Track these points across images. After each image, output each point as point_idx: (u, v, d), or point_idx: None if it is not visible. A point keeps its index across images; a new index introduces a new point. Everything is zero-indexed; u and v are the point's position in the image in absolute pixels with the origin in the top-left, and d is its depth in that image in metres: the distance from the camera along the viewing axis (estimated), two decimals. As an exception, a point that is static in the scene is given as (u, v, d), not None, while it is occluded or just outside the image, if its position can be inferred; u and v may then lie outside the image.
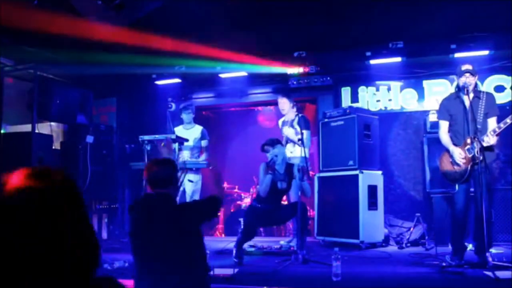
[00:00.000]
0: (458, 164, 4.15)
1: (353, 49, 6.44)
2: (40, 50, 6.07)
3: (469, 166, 4.09)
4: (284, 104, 5.78)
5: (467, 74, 4.13)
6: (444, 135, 4.33)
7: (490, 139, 4.00)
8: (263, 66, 6.72)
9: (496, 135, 4.01)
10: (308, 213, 6.57)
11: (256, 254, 5.14)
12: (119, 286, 0.94)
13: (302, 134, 4.75)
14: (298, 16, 5.57)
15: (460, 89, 4.20)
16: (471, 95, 4.12)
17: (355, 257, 4.82)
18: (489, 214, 4.06)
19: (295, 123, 5.57)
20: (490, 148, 4.08)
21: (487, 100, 4.17)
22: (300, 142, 4.89)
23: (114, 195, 7.35)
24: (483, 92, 4.30)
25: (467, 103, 4.11)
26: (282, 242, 5.67)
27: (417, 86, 6.70)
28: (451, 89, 6.40)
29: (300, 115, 5.50)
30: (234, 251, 4.58)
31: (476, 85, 4.24)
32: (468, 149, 4.10)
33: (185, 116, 5.96)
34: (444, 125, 4.35)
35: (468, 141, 4.10)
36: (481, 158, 3.93)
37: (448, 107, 4.33)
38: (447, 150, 4.27)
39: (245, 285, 3.58)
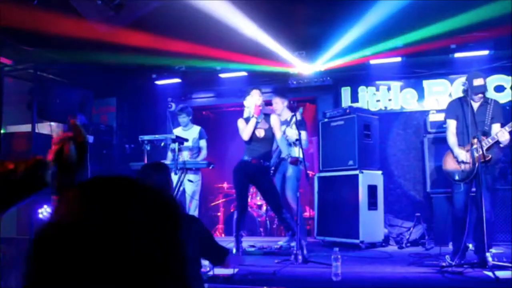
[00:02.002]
0: (464, 163, 4.20)
1: (352, 49, 6.43)
2: (40, 50, 6.07)
3: (475, 166, 4.12)
4: (277, 104, 5.78)
5: (480, 95, 4.22)
6: (451, 136, 4.39)
7: (504, 134, 4.07)
8: (263, 66, 6.72)
9: (510, 131, 4.08)
10: (308, 213, 6.62)
11: (256, 254, 5.14)
12: None
13: (300, 134, 4.75)
14: (298, 16, 5.57)
15: (467, 94, 4.24)
16: (480, 100, 4.26)
17: (355, 257, 4.82)
18: (491, 215, 4.08)
19: (292, 124, 5.57)
20: (494, 149, 4.13)
21: (495, 107, 4.28)
22: (298, 142, 4.87)
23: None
24: (491, 99, 4.39)
25: (474, 106, 4.20)
26: (280, 243, 5.67)
27: (417, 86, 6.69)
28: (451, 89, 6.42)
29: (296, 115, 5.50)
30: (234, 243, 4.58)
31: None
32: (475, 149, 4.13)
33: (180, 120, 5.97)
34: (452, 125, 4.41)
35: (474, 141, 4.13)
36: (484, 158, 3.98)
37: (456, 108, 4.41)
38: (452, 151, 4.32)
39: (245, 285, 3.58)
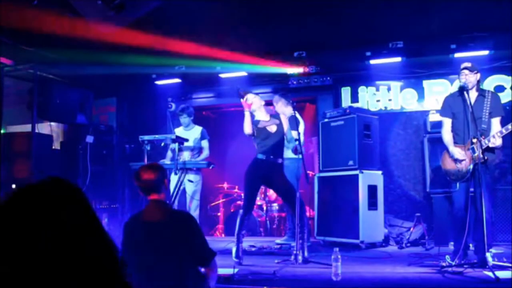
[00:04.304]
0: (460, 162, 4.16)
1: (353, 49, 6.44)
2: (40, 50, 6.08)
3: (471, 166, 4.09)
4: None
5: (466, 71, 4.13)
6: (446, 134, 4.32)
7: (496, 140, 3.99)
8: (263, 66, 6.72)
9: (502, 136, 4.02)
10: (308, 213, 6.61)
11: (256, 254, 5.14)
12: None
13: (298, 134, 4.71)
14: (298, 16, 5.57)
15: (462, 88, 4.17)
16: (475, 93, 4.14)
17: (355, 257, 4.82)
18: (490, 215, 4.06)
19: None
20: (492, 149, 4.08)
21: (492, 100, 4.15)
22: (297, 142, 4.84)
23: (114, 195, 7.35)
24: (488, 91, 4.26)
25: (470, 101, 4.06)
26: (278, 241, 5.68)
27: (417, 86, 6.69)
28: (451, 89, 6.40)
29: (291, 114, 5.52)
30: (235, 242, 4.57)
31: (478, 83, 4.22)
32: (472, 149, 4.09)
33: (182, 120, 5.96)
34: (447, 123, 4.33)
35: (473, 140, 4.07)
36: (483, 158, 3.93)
37: (451, 105, 4.31)
38: (447, 149, 4.28)
39: (245, 285, 3.57)
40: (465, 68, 4.14)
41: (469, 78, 4.13)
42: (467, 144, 4.15)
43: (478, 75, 4.21)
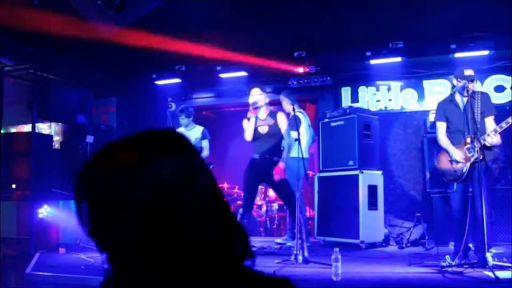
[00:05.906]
0: (457, 162, 4.16)
1: (353, 49, 6.43)
2: (40, 50, 6.07)
3: (468, 165, 4.09)
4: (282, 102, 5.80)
5: (474, 84, 4.16)
6: (442, 137, 4.35)
7: (493, 139, 4.02)
8: (263, 66, 6.71)
9: (498, 134, 4.02)
10: (308, 213, 6.61)
11: (256, 254, 5.13)
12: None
13: (299, 134, 4.70)
14: (298, 16, 5.57)
15: (456, 91, 4.20)
16: (466, 96, 4.16)
17: (355, 257, 4.82)
18: (489, 215, 4.06)
19: None
20: (489, 148, 4.09)
21: (482, 100, 4.19)
22: (296, 142, 4.83)
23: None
24: (478, 92, 4.30)
25: (462, 105, 4.14)
26: (277, 240, 5.67)
27: (417, 86, 6.69)
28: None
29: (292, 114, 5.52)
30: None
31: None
32: (468, 149, 4.11)
33: (181, 121, 5.97)
34: (441, 127, 4.36)
35: (468, 140, 4.10)
36: (481, 157, 3.94)
37: (445, 110, 4.36)
38: (446, 150, 4.28)
39: (245, 285, 3.57)
40: (473, 79, 4.14)
41: (472, 87, 4.16)
42: (462, 144, 4.17)
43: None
